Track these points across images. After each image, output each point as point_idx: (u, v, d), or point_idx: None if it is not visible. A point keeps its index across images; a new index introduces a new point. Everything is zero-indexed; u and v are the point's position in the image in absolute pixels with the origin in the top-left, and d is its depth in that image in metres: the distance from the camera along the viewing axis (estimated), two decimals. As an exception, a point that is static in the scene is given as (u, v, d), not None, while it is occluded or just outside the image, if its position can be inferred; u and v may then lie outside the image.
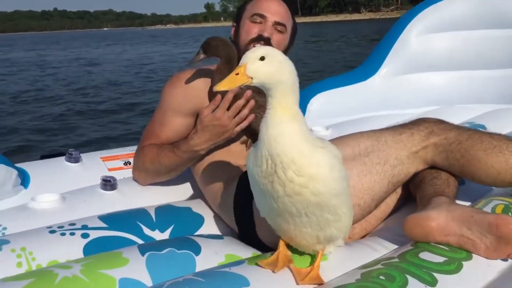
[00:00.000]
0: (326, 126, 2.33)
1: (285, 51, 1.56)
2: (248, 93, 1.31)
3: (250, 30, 1.48)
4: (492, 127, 2.14)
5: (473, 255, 1.08)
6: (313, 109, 2.62)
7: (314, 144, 0.91)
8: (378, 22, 53.62)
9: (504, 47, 2.64)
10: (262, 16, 1.49)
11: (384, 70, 2.73)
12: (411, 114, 2.53)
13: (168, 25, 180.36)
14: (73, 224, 1.29)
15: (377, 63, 2.76)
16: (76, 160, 1.76)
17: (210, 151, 1.46)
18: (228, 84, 0.87)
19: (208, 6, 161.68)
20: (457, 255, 1.08)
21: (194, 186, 1.69)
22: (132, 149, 1.93)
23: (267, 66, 0.87)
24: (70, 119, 6.07)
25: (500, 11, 2.62)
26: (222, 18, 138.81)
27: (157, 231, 1.35)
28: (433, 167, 1.35)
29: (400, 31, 2.76)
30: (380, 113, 2.60)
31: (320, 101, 2.64)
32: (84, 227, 1.28)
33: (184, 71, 1.56)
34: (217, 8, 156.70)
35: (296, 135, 0.88)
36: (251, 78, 0.87)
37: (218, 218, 1.49)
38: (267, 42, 1.47)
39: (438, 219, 1.11)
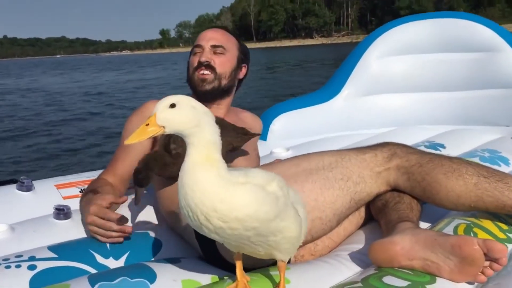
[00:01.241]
0: (287, 147, 2.32)
1: (235, 72, 1.62)
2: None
3: (193, 62, 1.59)
4: (450, 146, 2.20)
5: (437, 278, 1.07)
6: (275, 130, 2.62)
7: (235, 184, 0.86)
8: (330, 47, 55.43)
9: (458, 70, 2.72)
10: (198, 46, 1.59)
11: (345, 91, 2.77)
12: (371, 134, 2.58)
13: (123, 52, 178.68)
14: (20, 256, 1.21)
15: (339, 85, 2.80)
16: (28, 188, 1.68)
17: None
18: (139, 136, 0.84)
19: (163, 32, 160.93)
20: (420, 279, 1.06)
21: (155, 211, 1.64)
22: (89, 175, 1.87)
23: (178, 112, 0.84)
24: (22, 145, 5.86)
25: (451, 35, 2.72)
26: (180, 44, 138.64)
27: (111, 258, 1.28)
28: (396, 190, 1.36)
29: (361, 54, 2.82)
30: (341, 134, 2.63)
31: (282, 122, 2.65)
32: (32, 258, 1.20)
33: (144, 104, 1.58)
34: (173, 34, 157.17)
35: (213, 182, 0.84)
36: (163, 127, 0.84)
37: (177, 241, 1.44)
38: (207, 67, 1.55)
39: (403, 243, 1.11)
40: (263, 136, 2.58)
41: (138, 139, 0.84)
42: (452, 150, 2.14)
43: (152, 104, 1.55)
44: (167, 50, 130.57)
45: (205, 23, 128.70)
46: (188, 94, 1.29)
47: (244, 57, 1.66)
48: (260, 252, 0.95)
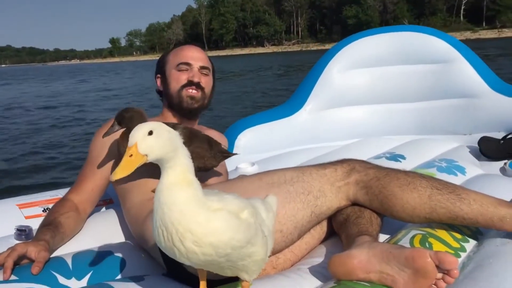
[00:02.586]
0: (252, 162, 2.34)
1: (212, 90, 1.74)
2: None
3: (179, 78, 1.65)
4: (410, 156, 2.26)
5: None
6: (241, 145, 2.64)
7: (210, 208, 0.87)
8: (281, 55, 55.86)
9: (417, 81, 2.82)
10: (187, 64, 1.66)
11: (309, 105, 2.82)
12: (336, 146, 2.62)
13: (72, 61, 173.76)
14: (-23, 280, 1.19)
15: (302, 98, 2.85)
16: None
17: (137, 180, 1.49)
18: (126, 169, 0.83)
19: (113, 41, 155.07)
20: (376, 291, 1.08)
21: (120, 229, 1.64)
22: (52, 194, 1.84)
23: (158, 139, 0.84)
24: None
25: (410, 48, 2.81)
26: (134, 53, 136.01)
27: (73, 279, 1.26)
28: (356, 204, 1.39)
29: (323, 68, 2.88)
30: (306, 147, 2.66)
31: (247, 137, 2.67)
32: (-10, 281, 1.18)
33: (109, 120, 1.58)
34: (123, 43, 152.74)
35: (191, 203, 0.84)
36: (146, 155, 0.84)
37: (141, 259, 1.43)
38: (197, 86, 1.64)
39: (360, 257, 1.13)
40: (229, 151, 2.60)
41: (126, 173, 0.83)
42: (412, 160, 2.20)
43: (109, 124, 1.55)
44: (117, 59, 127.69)
45: (156, 31, 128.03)
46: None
47: (214, 77, 1.77)
48: (227, 274, 0.96)
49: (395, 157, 2.23)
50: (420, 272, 1.06)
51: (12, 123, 9.39)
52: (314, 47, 78.74)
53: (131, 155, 0.83)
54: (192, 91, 1.64)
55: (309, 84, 2.87)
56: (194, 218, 0.83)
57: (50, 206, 1.65)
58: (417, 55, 2.81)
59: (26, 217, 1.67)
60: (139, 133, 0.84)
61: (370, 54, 2.85)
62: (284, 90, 12.14)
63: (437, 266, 1.05)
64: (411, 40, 2.81)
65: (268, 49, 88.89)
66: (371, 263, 1.12)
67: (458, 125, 2.75)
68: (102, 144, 1.54)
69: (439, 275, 1.07)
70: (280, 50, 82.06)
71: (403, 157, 2.24)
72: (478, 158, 2.38)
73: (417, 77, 2.82)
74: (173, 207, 0.84)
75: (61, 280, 1.25)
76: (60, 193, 1.80)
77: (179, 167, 0.86)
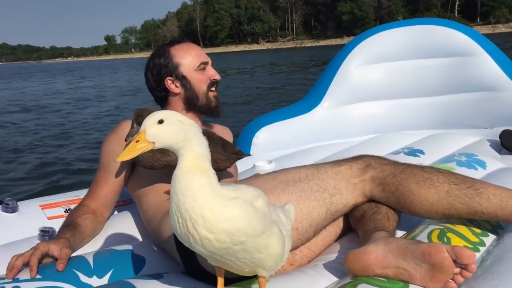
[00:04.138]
0: (269, 160, 2.35)
1: None
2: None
3: (203, 79, 1.64)
4: (429, 151, 2.23)
5: (410, 285, 1.09)
6: (258, 143, 2.65)
7: (226, 197, 0.88)
8: (276, 52, 55.35)
9: (435, 75, 2.78)
10: (205, 63, 1.65)
11: (326, 101, 2.81)
12: (354, 142, 2.61)
13: (68, 58, 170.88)
14: (3, 279, 1.22)
15: (319, 95, 2.84)
16: (13, 210, 1.68)
17: (153, 183, 1.51)
18: (130, 153, 0.86)
19: (108, 38, 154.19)
20: (393, 286, 1.08)
21: (138, 228, 1.66)
22: (74, 195, 1.88)
23: (167, 127, 0.86)
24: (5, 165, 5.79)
25: (427, 42, 2.77)
26: (132, 50, 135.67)
27: (94, 277, 1.29)
28: (372, 200, 1.39)
29: (340, 63, 2.87)
30: (323, 143, 2.66)
31: (265, 135, 2.68)
32: (16, 280, 1.21)
33: (120, 124, 1.60)
34: (119, 40, 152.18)
35: (204, 190, 0.86)
36: (153, 142, 0.86)
37: (160, 257, 1.45)
38: (216, 85, 1.69)
39: (376, 252, 1.13)
40: (247, 149, 2.61)
41: (129, 156, 0.85)
42: (431, 155, 2.18)
43: (127, 123, 1.57)
44: (111, 57, 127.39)
45: (151, 28, 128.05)
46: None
47: None
48: (245, 270, 0.96)
49: (413, 152, 2.21)
50: (437, 267, 1.06)
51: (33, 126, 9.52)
52: (308, 43, 78.65)
53: (138, 140, 0.86)
54: (215, 91, 1.67)
55: (326, 80, 2.86)
56: (207, 204, 0.84)
57: (72, 206, 1.70)
58: (436, 48, 2.78)
59: (49, 218, 1.71)
60: (149, 121, 0.87)
61: (388, 48, 2.83)
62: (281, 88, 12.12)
63: (455, 261, 1.05)
64: (430, 33, 2.77)
65: (263, 46, 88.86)
66: (388, 258, 1.12)
67: (479, 119, 2.71)
68: (113, 149, 1.55)
69: (457, 269, 1.06)
70: (274, 47, 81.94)
71: (422, 152, 2.22)
72: (499, 152, 2.34)
73: (436, 71, 2.79)
74: (186, 193, 0.85)
75: (83, 278, 1.27)
76: (81, 193, 1.84)
77: (192, 155, 0.87)
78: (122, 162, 1.54)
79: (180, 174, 0.87)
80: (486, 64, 2.68)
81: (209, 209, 0.84)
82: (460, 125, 2.74)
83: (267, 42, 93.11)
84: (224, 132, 1.78)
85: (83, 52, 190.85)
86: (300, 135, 2.73)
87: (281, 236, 0.96)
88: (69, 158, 5.94)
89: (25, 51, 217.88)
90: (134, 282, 1.19)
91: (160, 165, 1.44)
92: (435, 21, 2.86)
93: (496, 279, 1.09)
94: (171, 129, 0.86)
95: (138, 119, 1.42)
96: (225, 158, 1.50)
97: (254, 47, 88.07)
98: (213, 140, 1.49)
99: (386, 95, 2.85)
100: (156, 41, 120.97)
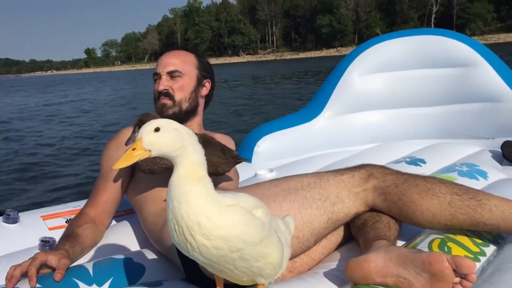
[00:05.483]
0: (270, 168, 2.35)
1: (196, 91, 1.68)
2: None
3: (154, 91, 1.66)
4: (431, 161, 2.23)
5: None
6: (260, 151, 2.64)
7: (223, 204, 0.88)
8: (256, 64, 55.65)
9: (438, 85, 2.78)
10: (156, 74, 1.66)
11: (328, 110, 2.81)
12: (355, 151, 2.61)
13: (49, 72, 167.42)
14: None
15: (321, 104, 2.85)
16: (14, 220, 1.69)
17: (152, 190, 1.51)
18: (126, 161, 0.86)
19: (88, 51, 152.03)
20: (393, 294, 1.08)
21: (139, 238, 1.66)
22: (75, 205, 1.89)
23: (163, 135, 0.87)
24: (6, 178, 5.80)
25: (430, 52, 2.78)
26: (117, 62, 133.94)
27: (94, 285, 1.29)
28: (374, 210, 1.38)
29: (342, 72, 2.87)
30: (325, 152, 2.66)
31: (266, 144, 2.68)
32: (16, 289, 1.22)
33: (119, 132, 1.62)
34: (99, 53, 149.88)
35: (200, 196, 0.86)
36: (149, 150, 0.87)
37: (160, 265, 1.45)
38: (166, 95, 1.63)
39: (377, 261, 1.13)
40: (248, 158, 2.61)
41: (125, 164, 0.86)
42: (433, 165, 2.18)
43: (128, 130, 1.58)
44: (91, 70, 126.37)
45: (132, 41, 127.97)
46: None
47: (205, 73, 1.71)
48: (243, 279, 0.96)
49: (415, 161, 2.21)
50: (437, 276, 1.05)
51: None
52: (288, 55, 79.27)
53: (134, 148, 0.86)
54: (162, 100, 1.63)
55: (328, 89, 2.86)
56: (203, 211, 0.85)
57: (72, 217, 1.69)
58: (439, 58, 2.78)
59: (50, 228, 1.72)
60: (146, 129, 0.87)
61: (391, 58, 2.83)
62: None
63: (455, 271, 1.05)
64: (433, 44, 2.78)
65: (244, 58, 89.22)
66: (388, 267, 1.12)
67: (480, 129, 2.71)
68: (112, 156, 1.56)
69: (457, 279, 1.06)
70: (255, 59, 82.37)
71: (423, 161, 2.22)
72: (501, 163, 2.34)
73: (438, 81, 2.79)
74: (181, 200, 0.85)
75: (83, 286, 1.27)
76: (82, 203, 1.84)
77: (188, 162, 0.87)
78: (121, 169, 1.54)
79: (176, 181, 0.87)
80: (488, 74, 2.68)
81: (205, 216, 0.84)
82: (462, 135, 2.74)
83: (247, 54, 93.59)
84: (226, 140, 1.78)
85: (63, 65, 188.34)
86: (302, 144, 2.73)
87: (280, 244, 0.96)
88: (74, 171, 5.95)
89: (4, 65, 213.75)
90: None
91: (159, 169, 1.44)
92: (438, 31, 2.87)
93: None
94: (167, 137, 0.87)
95: (140, 124, 1.43)
96: (224, 162, 1.51)
97: (235, 59, 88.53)
98: (212, 145, 1.50)
99: (387, 104, 2.86)
100: (137, 54, 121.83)
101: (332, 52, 72.26)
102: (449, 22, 64.45)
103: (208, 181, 0.89)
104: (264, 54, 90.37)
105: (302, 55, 77.18)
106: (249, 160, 1.83)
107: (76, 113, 13.39)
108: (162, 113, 1.63)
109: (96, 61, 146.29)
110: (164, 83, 1.63)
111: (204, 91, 1.72)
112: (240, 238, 0.86)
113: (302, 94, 12.90)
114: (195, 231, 0.84)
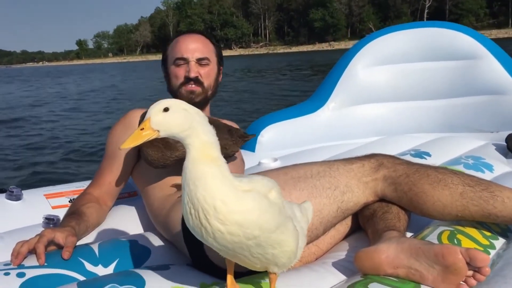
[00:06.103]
0: (274, 157, 2.34)
1: (217, 78, 1.70)
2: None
3: (177, 74, 1.62)
4: (436, 154, 2.23)
5: (422, 286, 1.08)
6: (263, 141, 2.64)
7: (239, 188, 0.86)
8: (248, 58, 55.61)
9: (442, 78, 2.78)
10: (183, 59, 1.61)
11: (332, 102, 2.81)
12: (359, 144, 2.60)
13: (40, 63, 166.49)
14: (8, 264, 1.21)
15: (325, 95, 2.84)
16: (18, 197, 1.68)
17: (159, 175, 1.49)
18: (134, 140, 0.84)
19: (80, 43, 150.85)
20: (404, 286, 1.07)
21: (143, 219, 1.65)
22: (78, 185, 1.88)
23: (172, 115, 0.85)
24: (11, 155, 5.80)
25: (434, 44, 2.77)
26: (110, 54, 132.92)
27: (100, 266, 1.28)
28: (383, 200, 1.37)
29: (346, 64, 2.86)
30: (328, 144, 2.65)
31: (270, 133, 2.67)
32: (21, 266, 1.20)
33: (127, 113, 1.60)
34: (90, 45, 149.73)
35: (216, 179, 0.83)
36: (158, 131, 0.85)
37: (166, 249, 1.44)
38: (196, 81, 1.60)
39: (388, 252, 1.12)
40: (252, 147, 2.60)
41: (134, 143, 0.84)
42: (438, 157, 2.17)
43: (135, 112, 1.57)
44: (82, 62, 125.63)
45: (124, 33, 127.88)
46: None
47: (221, 60, 1.73)
48: (257, 265, 0.95)
49: (420, 154, 2.20)
50: (450, 269, 1.04)
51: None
52: (281, 49, 79.38)
53: (143, 128, 0.85)
54: (192, 86, 1.60)
55: (332, 81, 2.85)
56: (219, 195, 0.82)
57: (75, 197, 1.69)
58: (443, 51, 2.77)
59: (53, 207, 1.71)
60: (154, 109, 0.85)
61: (395, 51, 2.83)
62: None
63: (468, 263, 1.03)
64: (437, 36, 2.77)
65: (236, 51, 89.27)
66: (399, 258, 1.10)
67: (485, 122, 2.71)
68: (119, 137, 1.54)
69: (470, 272, 1.05)
70: (247, 53, 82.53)
71: (428, 154, 2.21)
72: (506, 156, 2.33)
73: (442, 74, 2.78)
74: (198, 182, 0.83)
75: (88, 267, 1.26)
76: (86, 184, 1.83)
77: (198, 143, 0.85)
78: (128, 152, 1.54)
79: (190, 164, 0.85)
80: (492, 67, 2.68)
81: (221, 200, 0.82)
82: (466, 128, 2.73)
83: (240, 48, 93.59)
84: (230, 124, 1.77)
85: (55, 56, 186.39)
86: (305, 135, 2.72)
87: (296, 232, 0.94)
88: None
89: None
90: (141, 272, 1.18)
91: (171, 162, 1.43)
92: (442, 24, 2.86)
93: (509, 283, 1.08)
94: (177, 117, 0.85)
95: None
96: (232, 143, 1.49)
97: (227, 52, 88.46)
98: (218, 127, 1.48)
99: (392, 97, 2.85)
100: (129, 46, 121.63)
101: (324, 46, 72.27)
102: (442, 18, 65.13)
103: (222, 162, 0.87)
104: (257, 47, 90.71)
105: (294, 49, 77.15)
106: (249, 147, 1.82)
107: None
108: (189, 100, 1.59)
109: (88, 53, 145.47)
110: (195, 70, 1.60)
111: (220, 78, 1.73)
112: (256, 225, 0.84)
113: (297, 88, 12.87)
114: (211, 215, 0.82)
